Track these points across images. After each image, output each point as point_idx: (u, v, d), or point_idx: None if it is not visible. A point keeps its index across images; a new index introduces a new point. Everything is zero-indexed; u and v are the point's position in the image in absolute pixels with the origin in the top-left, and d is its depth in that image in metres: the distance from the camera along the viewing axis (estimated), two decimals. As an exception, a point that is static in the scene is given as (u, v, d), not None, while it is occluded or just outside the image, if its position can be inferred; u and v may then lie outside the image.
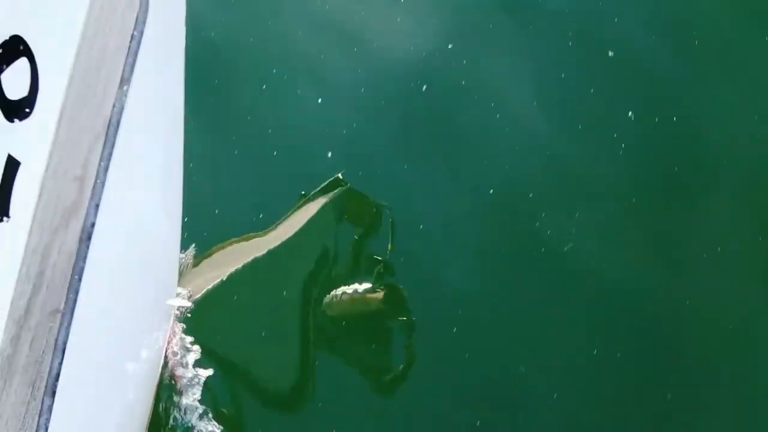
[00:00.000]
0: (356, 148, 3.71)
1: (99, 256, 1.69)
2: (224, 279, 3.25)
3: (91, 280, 1.64)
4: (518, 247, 3.59)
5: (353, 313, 3.41)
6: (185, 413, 2.93)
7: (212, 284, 3.24)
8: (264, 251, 3.38)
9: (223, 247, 3.36)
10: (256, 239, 3.43)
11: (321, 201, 3.55)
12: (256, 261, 3.33)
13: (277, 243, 3.40)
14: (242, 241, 3.41)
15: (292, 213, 3.53)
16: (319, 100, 3.80)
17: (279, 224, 3.49)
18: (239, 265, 3.31)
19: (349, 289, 3.40)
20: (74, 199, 1.62)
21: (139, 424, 2.61)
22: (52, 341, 1.58)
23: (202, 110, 3.44)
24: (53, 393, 1.58)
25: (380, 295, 3.41)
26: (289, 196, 3.55)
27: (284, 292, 3.38)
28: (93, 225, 1.61)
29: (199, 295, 3.16)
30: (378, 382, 3.38)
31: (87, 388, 1.89)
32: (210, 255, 3.33)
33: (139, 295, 2.26)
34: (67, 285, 1.59)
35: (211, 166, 3.50)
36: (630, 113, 3.82)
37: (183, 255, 3.10)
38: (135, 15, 1.77)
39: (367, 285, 3.40)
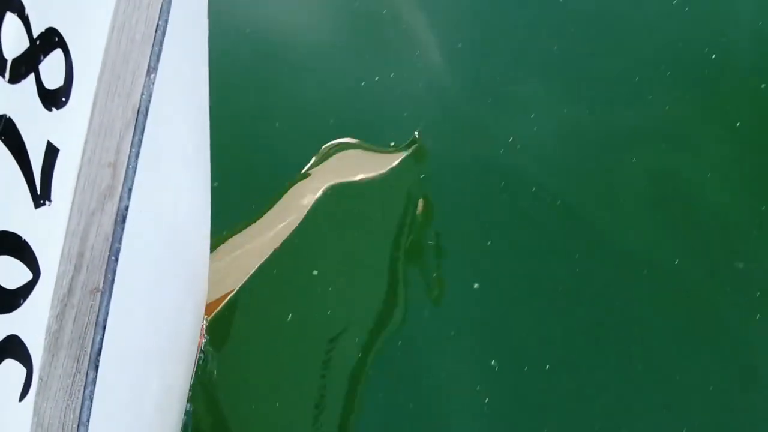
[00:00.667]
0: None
1: (134, 238, 1.77)
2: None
3: (128, 261, 1.73)
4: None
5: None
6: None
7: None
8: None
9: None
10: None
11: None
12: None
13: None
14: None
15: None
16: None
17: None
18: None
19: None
20: (108, 184, 1.71)
21: (179, 400, 2.71)
22: (93, 318, 1.67)
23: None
24: (96, 367, 1.67)
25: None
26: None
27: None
28: (127, 208, 1.69)
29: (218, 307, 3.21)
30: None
31: (128, 364, 1.99)
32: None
33: (174, 276, 2.35)
34: (105, 265, 1.68)
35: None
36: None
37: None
38: (159, 5, 1.85)
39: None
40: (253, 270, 3.30)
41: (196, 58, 2.16)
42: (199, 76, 2.22)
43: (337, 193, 3.59)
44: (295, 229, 3.44)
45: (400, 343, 3.31)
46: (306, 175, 3.65)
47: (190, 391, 2.94)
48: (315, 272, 3.38)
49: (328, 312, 3.33)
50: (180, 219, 2.27)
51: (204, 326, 3.06)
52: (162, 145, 1.93)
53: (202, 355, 3.04)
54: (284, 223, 3.49)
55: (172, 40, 1.87)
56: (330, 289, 3.37)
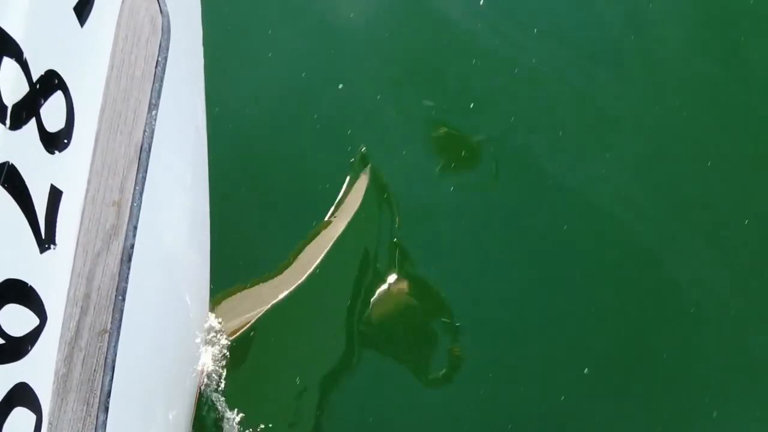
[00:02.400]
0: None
1: (140, 276, 1.76)
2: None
3: (134, 300, 1.71)
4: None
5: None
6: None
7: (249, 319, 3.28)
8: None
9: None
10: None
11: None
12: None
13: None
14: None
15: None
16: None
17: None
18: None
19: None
20: (113, 223, 1.69)
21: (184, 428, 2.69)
22: (102, 360, 1.65)
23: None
24: (106, 409, 1.65)
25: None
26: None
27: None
28: (132, 246, 1.68)
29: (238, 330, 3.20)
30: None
31: (135, 402, 1.97)
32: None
33: (177, 314, 2.33)
34: (112, 306, 1.66)
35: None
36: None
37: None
38: (158, 41, 1.84)
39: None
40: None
41: (194, 90, 2.15)
42: (198, 108, 2.21)
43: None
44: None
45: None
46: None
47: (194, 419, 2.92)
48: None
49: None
50: (181, 252, 2.25)
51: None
52: (163, 182, 1.92)
53: (205, 378, 3.03)
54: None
55: (172, 75, 1.86)
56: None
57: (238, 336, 3.16)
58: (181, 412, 2.58)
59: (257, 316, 3.25)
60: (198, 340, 2.80)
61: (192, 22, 2.15)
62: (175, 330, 2.36)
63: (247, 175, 3.60)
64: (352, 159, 3.67)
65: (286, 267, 3.43)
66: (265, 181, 3.64)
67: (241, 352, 3.15)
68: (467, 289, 3.51)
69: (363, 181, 3.65)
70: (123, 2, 1.91)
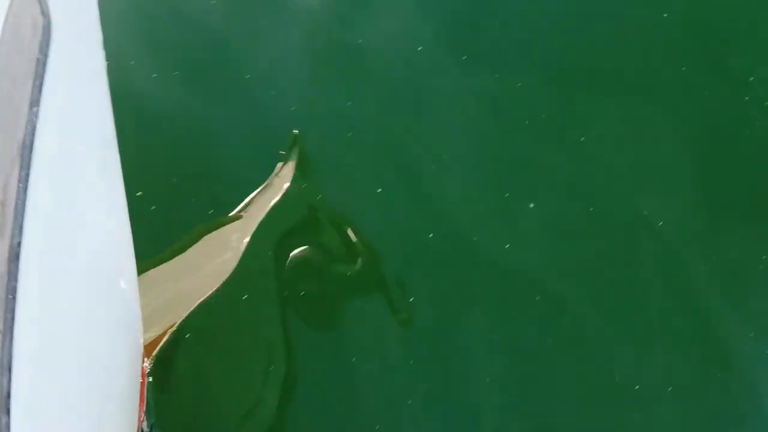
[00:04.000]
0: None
1: (44, 276, 1.74)
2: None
3: (29, 298, 1.69)
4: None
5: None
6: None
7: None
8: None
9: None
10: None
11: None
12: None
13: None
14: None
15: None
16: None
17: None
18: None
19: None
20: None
21: None
22: None
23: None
24: (8, 411, 1.62)
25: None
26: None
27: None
28: (19, 244, 1.66)
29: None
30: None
31: (55, 409, 1.93)
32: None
33: (100, 314, 2.30)
34: (4, 305, 1.64)
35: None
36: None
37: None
38: (39, 42, 1.84)
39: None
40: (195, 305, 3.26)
41: (92, 88, 2.14)
42: (97, 106, 2.19)
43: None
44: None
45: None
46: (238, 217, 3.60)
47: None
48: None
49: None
50: (97, 250, 2.22)
51: (146, 367, 2.99)
52: (62, 178, 1.90)
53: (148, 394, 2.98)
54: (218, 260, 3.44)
55: (57, 73, 1.85)
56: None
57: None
58: (119, 425, 2.54)
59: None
60: (133, 347, 2.76)
61: (85, 20, 2.14)
62: (104, 331, 2.33)
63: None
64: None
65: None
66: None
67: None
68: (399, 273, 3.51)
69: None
70: (9, 9, 1.92)
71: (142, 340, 2.94)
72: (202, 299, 3.22)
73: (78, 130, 2.02)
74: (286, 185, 3.63)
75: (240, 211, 3.54)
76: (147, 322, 3.00)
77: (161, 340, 3.10)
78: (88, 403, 2.20)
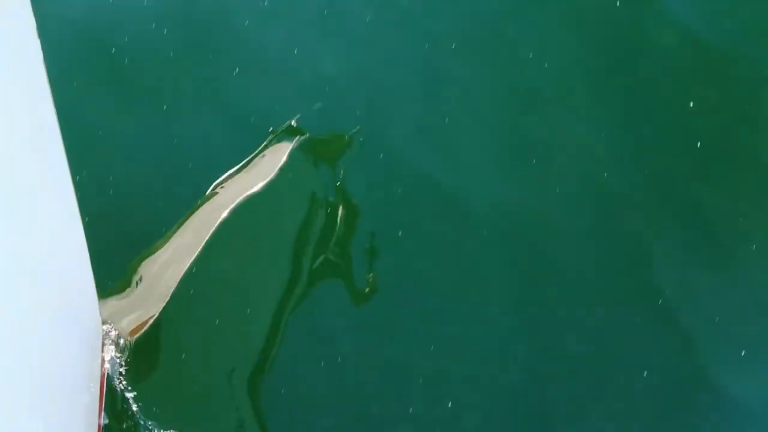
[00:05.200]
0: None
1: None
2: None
3: None
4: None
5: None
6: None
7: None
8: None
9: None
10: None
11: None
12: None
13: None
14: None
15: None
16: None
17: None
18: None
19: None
20: None
21: None
22: None
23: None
24: None
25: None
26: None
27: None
28: None
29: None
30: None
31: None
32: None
33: (51, 305, 2.20)
34: None
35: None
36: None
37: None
38: None
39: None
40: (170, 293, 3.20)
41: (28, 88, 2.01)
42: (35, 105, 2.06)
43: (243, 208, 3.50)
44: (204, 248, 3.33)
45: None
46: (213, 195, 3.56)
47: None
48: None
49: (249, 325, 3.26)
50: (46, 246, 2.12)
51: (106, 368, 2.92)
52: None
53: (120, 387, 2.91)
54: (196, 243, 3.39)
55: None
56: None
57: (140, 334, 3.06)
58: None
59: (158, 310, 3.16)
60: (88, 341, 2.66)
61: (19, 23, 2.00)
62: (58, 328, 2.23)
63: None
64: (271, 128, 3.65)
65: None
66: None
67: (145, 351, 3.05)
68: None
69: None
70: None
71: (100, 338, 2.85)
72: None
73: (15, 127, 1.90)
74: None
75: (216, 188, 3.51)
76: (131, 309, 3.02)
77: (145, 326, 3.07)
78: (43, 398, 2.11)
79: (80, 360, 2.56)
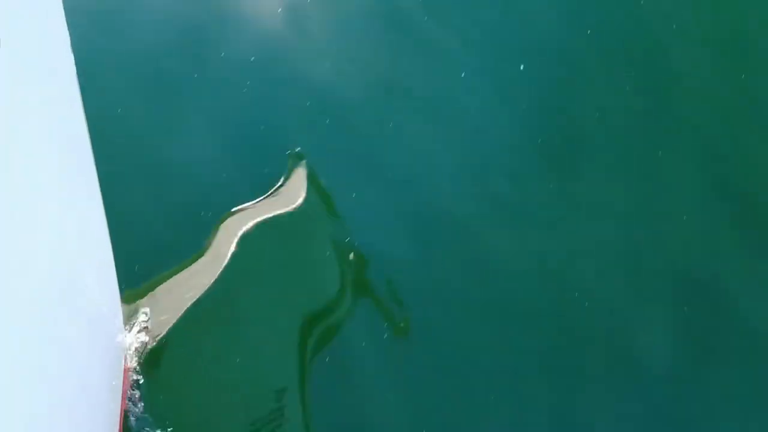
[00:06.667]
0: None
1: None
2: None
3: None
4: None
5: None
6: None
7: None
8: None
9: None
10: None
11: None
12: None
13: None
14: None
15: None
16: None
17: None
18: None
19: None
20: None
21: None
22: None
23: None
24: None
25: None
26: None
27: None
28: None
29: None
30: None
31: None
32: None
33: (74, 313, 2.24)
34: None
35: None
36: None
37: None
38: None
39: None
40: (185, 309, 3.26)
41: (52, 68, 2.06)
42: (59, 86, 2.11)
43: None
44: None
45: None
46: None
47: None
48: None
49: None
50: (68, 248, 2.16)
51: (128, 368, 2.96)
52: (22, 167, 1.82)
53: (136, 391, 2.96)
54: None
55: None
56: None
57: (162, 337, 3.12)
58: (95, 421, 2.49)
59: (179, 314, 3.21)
60: (111, 349, 2.71)
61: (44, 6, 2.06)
62: (78, 330, 2.28)
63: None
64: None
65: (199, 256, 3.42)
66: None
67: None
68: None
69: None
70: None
71: (124, 339, 2.88)
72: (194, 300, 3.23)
73: (39, 110, 1.94)
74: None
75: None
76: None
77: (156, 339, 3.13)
78: (64, 398, 2.15)
79: (102, 362, 2.60)
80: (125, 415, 2.83)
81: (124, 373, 2.88)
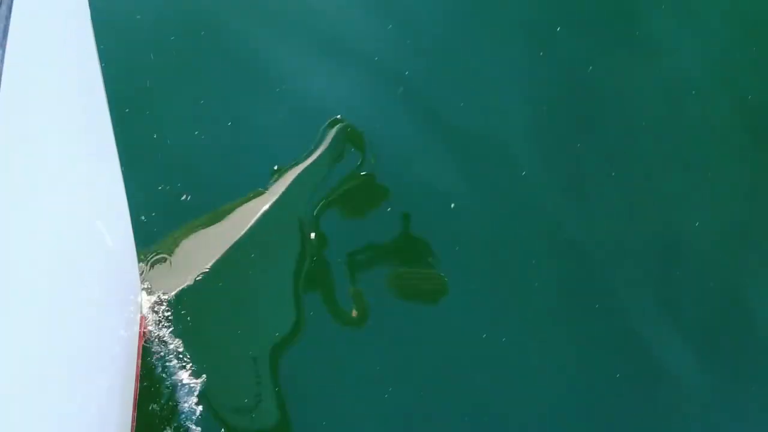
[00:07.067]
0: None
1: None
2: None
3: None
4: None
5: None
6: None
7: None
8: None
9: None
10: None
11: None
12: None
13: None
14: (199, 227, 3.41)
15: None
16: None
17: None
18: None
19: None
20: None
21: (120, 395, 2.62)
22: None
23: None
24: None
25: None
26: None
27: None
28: None
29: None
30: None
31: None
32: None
33: (93, 268, 2.25)
34: None
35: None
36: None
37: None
38: None
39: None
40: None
41: (72, 34, 2.05)
42: (84, 57, 2.11)
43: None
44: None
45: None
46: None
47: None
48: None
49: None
50: (87, 206, 2.17)
51: (145, 318, 3.00)
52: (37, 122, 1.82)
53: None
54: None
55: (25, 17, 1.77)
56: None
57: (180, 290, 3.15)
58: (113, 374, 2.51)
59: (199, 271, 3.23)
60: (127, 300, 2.72)
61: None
62: (101, 288, 2.29)
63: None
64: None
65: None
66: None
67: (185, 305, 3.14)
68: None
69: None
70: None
71: (139, 299, 2.90)
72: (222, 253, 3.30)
73: (60, 73, 1.94)
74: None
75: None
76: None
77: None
78: (83, 357, 2.17)
79: (119, 317, 2.62)
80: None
81: (140, 321, 2.93)
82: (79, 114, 2.12)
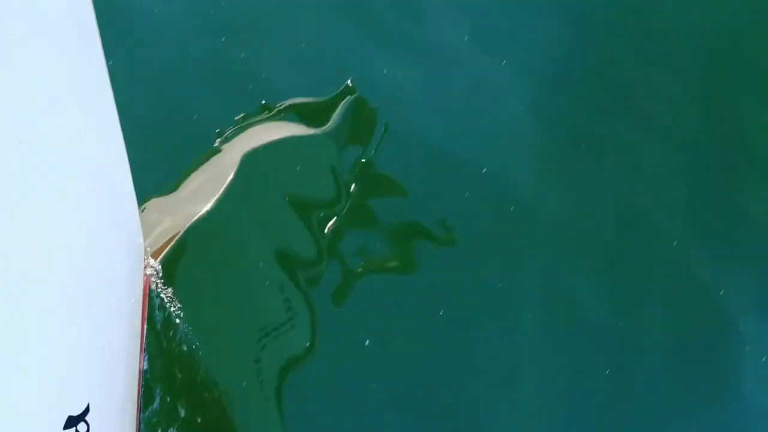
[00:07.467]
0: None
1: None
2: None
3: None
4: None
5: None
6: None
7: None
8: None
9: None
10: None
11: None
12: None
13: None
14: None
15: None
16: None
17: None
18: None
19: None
20: None
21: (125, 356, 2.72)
22: None
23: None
24: None
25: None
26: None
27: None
28: None
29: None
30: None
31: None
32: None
33: (96, 221, 2.31)
34: None
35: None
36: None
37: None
38: None
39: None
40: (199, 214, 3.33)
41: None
42: (82, 20, 2.13)
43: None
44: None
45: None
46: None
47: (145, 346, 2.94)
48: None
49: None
50: (88, 161, 2.21)
51: (148, 275, 3.04)
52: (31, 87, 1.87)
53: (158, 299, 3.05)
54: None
55: None
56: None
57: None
58: (118, 334, 2.57)
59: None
60: (132, 256, 2.77)
61: None
62: (93, 238, 2.33)
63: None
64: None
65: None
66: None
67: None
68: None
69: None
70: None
71: (142, 245, 2.95)
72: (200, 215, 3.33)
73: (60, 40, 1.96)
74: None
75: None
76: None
77: (167, 246, 3.20)
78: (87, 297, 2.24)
79: (122, 261, 2.66)
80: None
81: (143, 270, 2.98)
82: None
